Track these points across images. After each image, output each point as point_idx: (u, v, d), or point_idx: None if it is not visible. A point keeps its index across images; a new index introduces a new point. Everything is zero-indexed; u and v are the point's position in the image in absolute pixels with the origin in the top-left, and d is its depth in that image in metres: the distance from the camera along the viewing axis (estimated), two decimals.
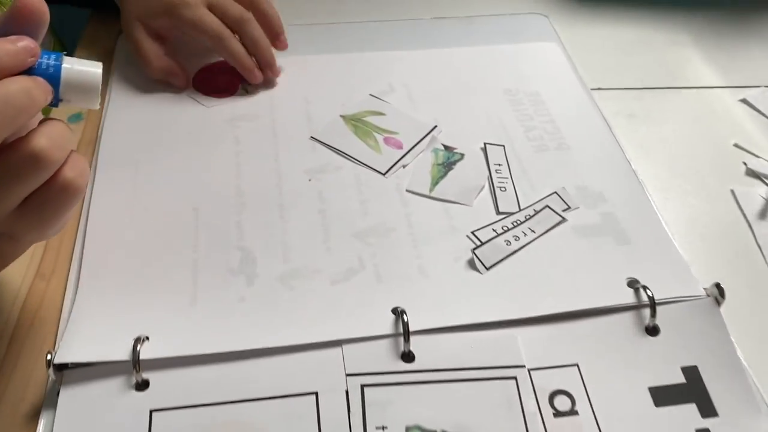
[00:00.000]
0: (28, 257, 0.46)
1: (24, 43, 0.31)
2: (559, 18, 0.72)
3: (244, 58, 0.57)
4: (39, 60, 0.32)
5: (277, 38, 0.59)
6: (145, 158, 0.52)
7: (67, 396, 0.38)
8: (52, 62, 0.32)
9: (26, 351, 0.42)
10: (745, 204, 0.54)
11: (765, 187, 0.55)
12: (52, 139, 0.31)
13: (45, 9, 0.32)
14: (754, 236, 0.51)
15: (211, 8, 0.55)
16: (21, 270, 0.45)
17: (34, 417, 0.38)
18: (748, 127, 0.61)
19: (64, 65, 0.32)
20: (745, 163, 0.57)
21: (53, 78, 0.32)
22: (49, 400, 0.39)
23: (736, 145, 0.59)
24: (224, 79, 0.59)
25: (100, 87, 0.34)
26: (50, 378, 0.39)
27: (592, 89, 0.63)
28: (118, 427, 0.37)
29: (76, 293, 0.43)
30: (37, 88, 0.31)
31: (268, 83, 0.59)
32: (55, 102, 0.33)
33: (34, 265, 0.46)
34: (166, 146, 0.54)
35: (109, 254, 0.46)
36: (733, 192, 0.55)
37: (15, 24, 0.32)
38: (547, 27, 0.70)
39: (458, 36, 0.68)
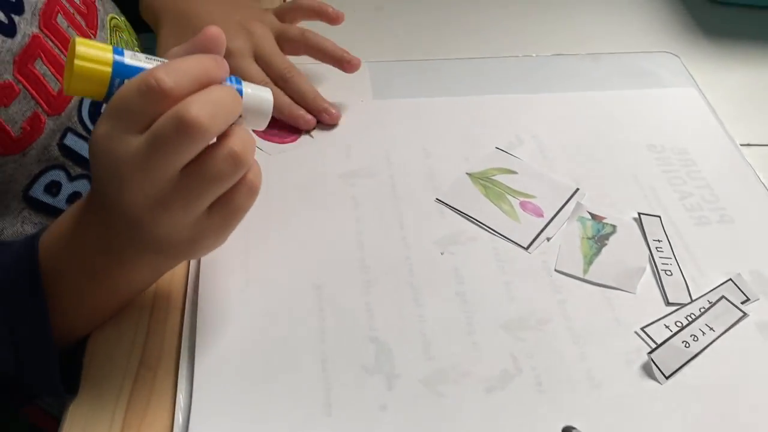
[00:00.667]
0: (130, 342, 0.40)
1: (221, 62, 0.35)
2: (689, 58, 0.64)
3: (289, 108, 0.53)
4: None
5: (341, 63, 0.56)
6: (257, 223, 0.46)
7: None
8: (234, 83, 0.35)
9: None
10: None
11: None
12: (244, 141, 0.34)
13: (223, 37, 0.35)
14: None
15: (258, 60, 0.54)
16: (123, 358, 0.39)
17: None
18: None
19: (244, 87, 0.36)
20: None
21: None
22: None
23: None
24: (283, 124, 0.54)
25: (272, 110, 0.37)
26: None
27: (741, 145, 0.56)
28: None
29: (192, 395, 0.37)
30: (237, 97, 0.35)
31: (331, 125, 0.54)
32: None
33: (137, 354, 0.40)
34: (277, 206, 0.47)
35: (224, 343, 0.40)
36: None
37: (197, 50, 0.35)
38: (680, 68, 0.63)
39: (583, 75, 0.61)
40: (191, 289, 0.42)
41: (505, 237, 0.46)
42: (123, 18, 0.58)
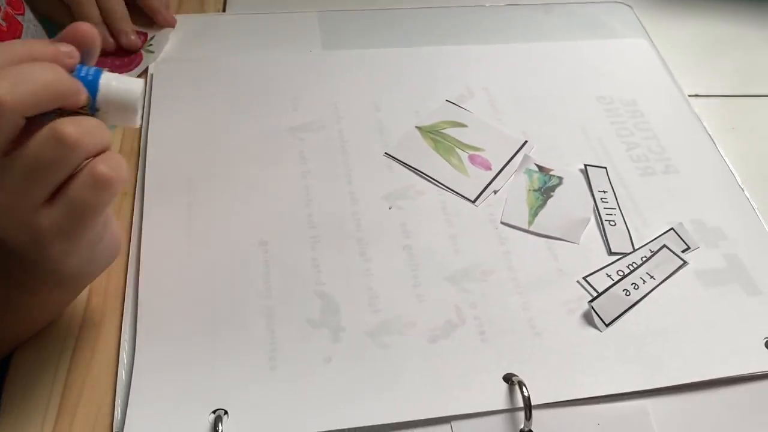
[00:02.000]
0: (72, 304, 0.39)
1: (66, 48, 0.31)
2: (642, 9, 0.64)
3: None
4: (79, 67, 0.31)
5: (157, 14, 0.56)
6: (199, 180, 0.45)
7: None
8: (92, 72, 0.31)
9: (80, 418, 0.35)
10: None
11: None
12: (80, 126, 0.29)
13: (95, 34, 0.32)
14: None
15: None
16: (65, 319, 0.39)
17: None
18: None
19: (102, 75, 0.31)
20: None
21: (91, 85, 0.31)
22: None
23: None
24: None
25: (140, 105, 0.32)
26: None
27: (689, 96, 0.56)
28: None
29: (135, 348, 0.37)
30: (66, 76, 0.30)
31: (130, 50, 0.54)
32: (92, 110, 0.31)
33: (79, 312, 0.39)
34: (223, 163, 0.47)
35: (167, 298, 0.39)
36: None
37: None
38: (632, 19, 0.63)
39: (535, 26, 0.61)
40: (134, 246, 0.42)
41: (453, 190, 0.46)
42: None
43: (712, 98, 0.57)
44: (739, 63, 0.60)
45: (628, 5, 0.64)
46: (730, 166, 0.50)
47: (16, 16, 0.48)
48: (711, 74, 0.59)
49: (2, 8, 0.47)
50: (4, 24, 0.47)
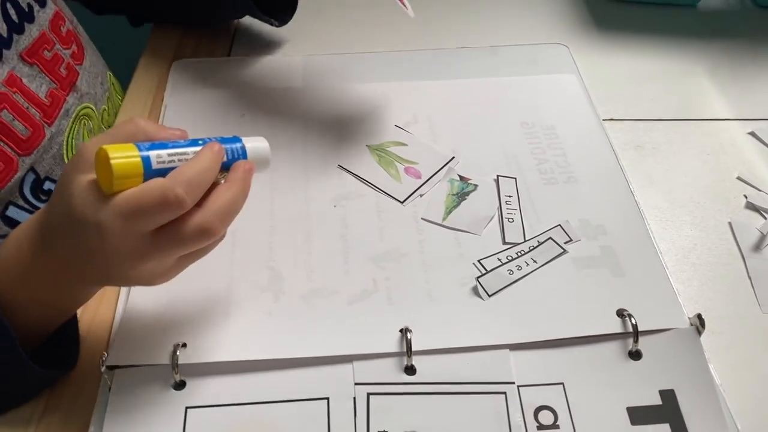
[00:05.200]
0: None
1: (218, 149, 0.39)
2: (579, 47, 0.76)
3: None
4: (230, 151, 0.41)
5: None
6: None
7: (117, 392, 0.45)
8: (239, 149, 0.41)
9: (85, 348, 0.49)
10: (741, 236, 0.57)
11: (763, 220, 0.58)
12: (220, 216, 0.38)
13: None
14: (746, 268, 0.55)
15: None
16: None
17: (89, 408, 0.46)
18: (754, 159, 0.64)
19: (245, 143, 0.42)
20: (745, 196, 0.60)
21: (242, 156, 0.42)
22: (102, 395, 0.46)
23: (739, 178, 0.62)
24: None
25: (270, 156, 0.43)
26: (104, 376, 0.46)
27: (604, 120, 0.67)
28: (159, 420, 0.44)
29: (127, 302, 0.50)
30: (243, 192, 0.41)
31: None
32: None
33: None
34: None
35: None
36: (730, 224, 0.58)
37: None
38: (567, 57, 0.74)
39: (483, 66, 0.73)
40: None
41: (387, 194, 0.59)
42: (102, 106, 0.66)
43: (626, 122, 0.68)
44: (658, 92, 0.71)
45: (565, 46, 0.76)
46: (627, 176, 0.61)
47: (75, 66, 0.62)
48: (629, 102, 0.70)
49: (65, 60, 0.60)
50: (64, 73, 0.59)
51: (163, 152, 0.38)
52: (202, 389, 0.46)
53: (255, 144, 0.42)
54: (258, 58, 0.74)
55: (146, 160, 0.37)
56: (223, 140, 0.41)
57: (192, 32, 0.78)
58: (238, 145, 0.41)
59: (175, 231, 0.37)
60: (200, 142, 0.40)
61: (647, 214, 0.58)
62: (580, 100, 0.69)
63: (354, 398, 0.46)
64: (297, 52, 0.75)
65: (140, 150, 0.38)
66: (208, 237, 0.38)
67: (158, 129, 0.40)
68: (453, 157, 0.62)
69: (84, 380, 0.47)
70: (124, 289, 0.52)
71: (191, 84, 0.70)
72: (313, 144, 0.63)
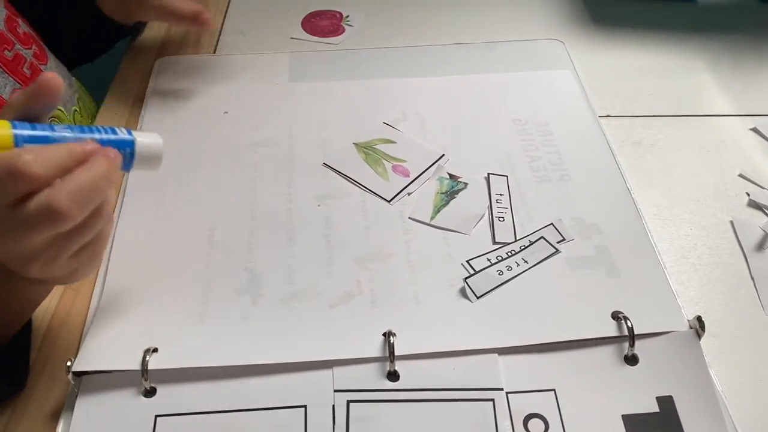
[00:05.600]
0: None
1: (93, 147, 0.38)
2: (575, 43, 0.73)
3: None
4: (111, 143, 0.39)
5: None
6: (171, 181, 0.57)
7: (84, 399, 0.43)
8: (126, 134, 0.41)
9: (54, 355, 0.47)
10: (743, 235, 0.55)
11: (766, 218, 0.56)
12: (70, 195, 0.35)
13: (61, 84, 0.38)
14: (749, 268, 0.52)
15: None
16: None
17: (56, 415, 0.43)
18: (756, 156, 0.61)
19: (135, 136, 0.41)
20: (748, 194, 0.58)
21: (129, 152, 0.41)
22: (69, 402, 0.44)
23: (741, 176, 0.60)
24: (328, 22, 0.71)
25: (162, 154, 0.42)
26: (70, 382, 0.43)
27: (600, 116, 0.65)
28: (127, 428, 0.42)
29: (98, 306, 0.48)
30: (106, 173, 0.37)
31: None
32: (126, 168, 0.41)
33: None
34: (191, 170, 0.58)
35: (131, 271, 0.51)
36: (732, 223, 0.56)
37: (35, 101, 0.38)
38: (563, 53, 0.72)
39: (476, 62, 0.71)
40: (113, 231, 0.54)
41: (374, 192, 0.56)
42: (73, 107, 0.65)
43: (623, 118, 0.65)
44: (656, 88, 0.69)
45: (561, 41, 0.73)
46: (624, 173, 0.58)
47: (39, 66, 0.61)
48: (626, 98, 0.67)
49: (28, 60, 0.60)
50: (28, 73, 0.59)
51: (35, 132, 0.37)
52: (173, 396, 0.43)
53: (146, 139, 0.41)
54: (243, 55, 0.72)
55: (17, 138, 0.36)
56: (112, 132, 0.40)
57: (177, 29, 0.76)
58: (127, 136, 0.40)
59: (24, 206, 0.35)
60: (87, 130, 0.39)
61: (645, 212, 0.56)
62: (575, 96, 0.66)
63: (333, 406, 0.43)
64: (283, 49, 0.73)
65: (14, 128, 0.36)
66: (55, 215, 0.35)
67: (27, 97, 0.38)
68: (443, 155, 0.60)
69: (51, 386, 0.45)
70: (96, 294, 0.50)
71: (174, 81, 0.68)
72: (298, 142, 0.61)
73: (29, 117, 0.38)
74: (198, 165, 0.59)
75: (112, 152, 0.38)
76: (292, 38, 0.74)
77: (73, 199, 0.35)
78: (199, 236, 0.53)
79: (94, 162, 0.37)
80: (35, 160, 0.34)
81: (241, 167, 0.59)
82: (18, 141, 0.36)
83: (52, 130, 0.38)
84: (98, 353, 0.45)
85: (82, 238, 0.38)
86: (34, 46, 0.60)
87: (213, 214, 0.55)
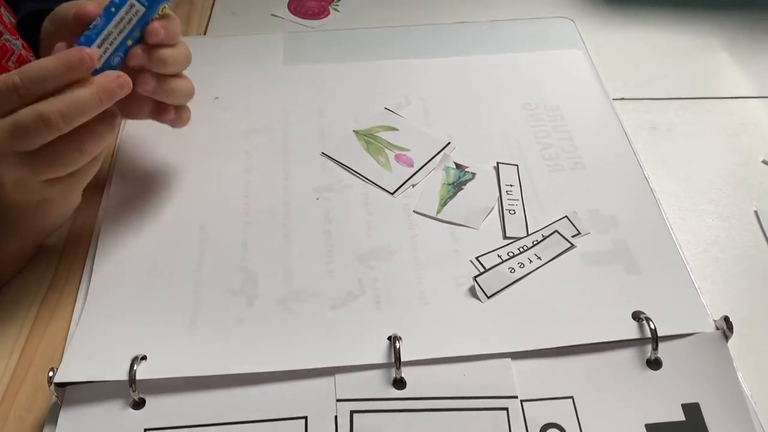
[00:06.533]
0: (44, 268, 0.48)
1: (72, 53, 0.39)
2: (585, 21, 0.70)
3: None
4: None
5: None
6: (158, 171, 0.54)
7: (68, 412, 0.40)
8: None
9: (37, 362, 0.44)
10: None
11: None
12: (60, 106, 0.38)
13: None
14: None
15: None
16: (36, 280, 0.47)
17: (38, 429, 0.40)
18: None
19: None
20: None
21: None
22: (52, 414, 0.41)
23: (764, 162, 0.56)
24: (315, 4, 0.65)
25: None
26: (52, 394, 0.40)
27: (614, 99, 0.61)
28: None
29: (83, 309, 0.45)
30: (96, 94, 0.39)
31: None
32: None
33: (48, 277, 0.48)
34: (180, 160, 0.55)
35: (116, 269, 0.47)
36: (756, 213, 0.53)
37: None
38: (573, 32, 0.68)
39: (481, 42, 0.67)
40: (97, 226, 0.50)
41: (376, 184, 0.53)
42: None
43: (638, 101, 0.62)
44: (670, 68, 0.65)
45: (570, 19, 0.69)
46: (641, 161, 0.55)
47: (30, 58, 0.56)
48: (641, 79, 0.64)
49: (16, 51, 0.55)
50: (13, 68, 0.54)
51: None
52: (163, 408, 0.40)
53: None
54: (235, 37, 0.68)
55: None
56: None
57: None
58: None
59: (13, 116, 0.37)
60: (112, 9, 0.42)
61: (663, 203, 0.52)
62: (587, 78, 0.63)
63: (335, 417, 0.40)
64: (277, 30, 0.69)
65: None
66: (44, 125, 0.37)
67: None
68: (448, 143, 0.56)
69: (33, 397, 0.42)
70: (80, 297, 0.46)
71: None
72: (294, 129, 0.58)
73: None
74: (187, 155, 0.55)
75: (121, 78, 0.41)
76: (272, 15, 0.70)
77: (62, 111, 0.37)
78: (189, 233, 0.49)
79: (94, 83, 0.40)
80: (21, 74, 0.37)
81: (234, 157, 0.55)
82: None
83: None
84: (82, 362, 0.41)
85: (63, 165, 0.39)
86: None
87: (204, 208, 0.51)
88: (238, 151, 0.55)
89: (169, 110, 0.48)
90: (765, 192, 0.54)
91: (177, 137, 0.57)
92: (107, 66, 0.42)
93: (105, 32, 0.42)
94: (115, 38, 0.42)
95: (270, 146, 0.56)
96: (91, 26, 0.42)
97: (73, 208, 0.46)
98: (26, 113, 0.37)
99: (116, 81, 0.41)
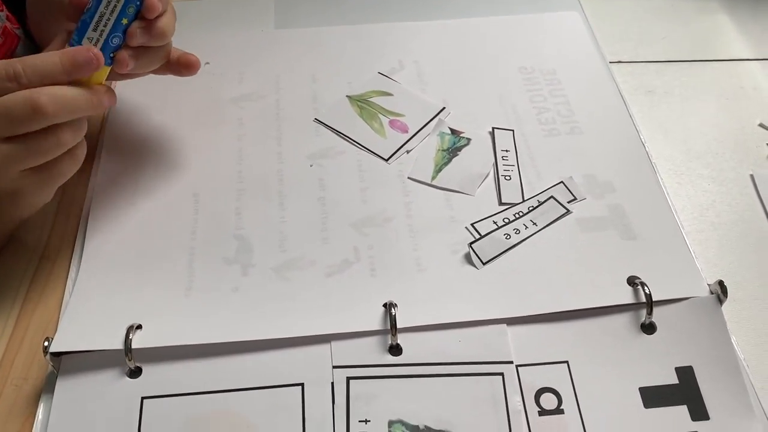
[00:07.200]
0: (36, 238, 0.48)
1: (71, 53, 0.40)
2: None
3: None
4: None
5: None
6: (150, 140, 0.53)
7: (64, 381, 0.40)
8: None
9: (31, 331, 0.44)
10: (765, 190, 0.51)
11: None
12: (53, 97, 0.38)
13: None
14: None
15: None
16: (28, 250, 0.47)
17: (35, 398, 0.40)
18: None
19: None
20: None
21: None
22: (49, 383, 0.41)
23: (761, 125, 0.56)
24: None
25: None
26: (48, 363, 0.40)
27: (610, 62, 0.60)
28: (111, 413, 0.39)
29: (76, 278, 0.45)
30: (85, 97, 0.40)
31: None
32: None
33: (40, 247, 0.47)
34: (171, 128, 0.54)
35: (109, 239, 0.47)
36: (752, 177, 0.52)
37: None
38: None
39: (476, 4, 0.66)
40: (89, 196, 0.50)
41: (370, 150, 0.52)
42: None
43: (636, 64, 0.61)
44: (670, 31, 0.64)
45: None
46: (638, 125, 0.54)
47: (14, 30, 0.55)
48: (639, 42, 0.63)
49: (1, 23, 0.54)
50: (1, 40, 0.53)
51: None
52: (160, 377, 0.40)
53: None
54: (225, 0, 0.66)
55: None
56: None
57: None
58: None
59: (3, 99, 0.37)
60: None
61: (660, 167, 0.52)
62: (584, 40, 0.62)
63: (332, 383, 0.40)
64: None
65: None
66: (34, 112, 0.37)
67: None
68: (443, 108, 0.55)
69: (29, 367, 0.42)
70: (73, 265, 0.46)
71: None
72: (287, 95, 0.57)
73: None
74: (178, 122, 0.54)
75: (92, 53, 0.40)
76: None
77: (53, 99, 0.38)
78: (182, 201, 0.49)
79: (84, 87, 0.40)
80: (23, 64, 0.38)
81: (226, 124, 0.54)
82: None
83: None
84: (77, 332, 0.41)
85: (40, 153, 0.39)
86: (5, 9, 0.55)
87: (197, 176, 0.51)
88: (231, 118, 0.55)
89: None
90: (762, 156, 0.54)
91: (168, 104, 0.56)
92: (107, 48, 0.41)
93: (97, 15, 0.41)
94: (108, 19, 0.41)
95: (262, 113, 0.55)
96: (85, 9, 0.41)
97: (41, 205, 0.45)
98: (16, 98, 0.37)
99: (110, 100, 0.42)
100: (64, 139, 0.39)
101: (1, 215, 0.44)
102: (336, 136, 0.54)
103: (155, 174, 0.51)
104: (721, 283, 0.43)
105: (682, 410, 0.40)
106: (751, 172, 0.53)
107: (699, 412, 0.40)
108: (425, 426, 0.39)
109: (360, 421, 0.39)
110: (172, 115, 0.55)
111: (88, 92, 0.40)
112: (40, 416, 0.40)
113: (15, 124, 0.38)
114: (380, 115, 0.55)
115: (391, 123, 0.54)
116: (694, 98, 0.58)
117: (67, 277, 0.46)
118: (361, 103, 0.56)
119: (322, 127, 0.54)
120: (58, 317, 0.44)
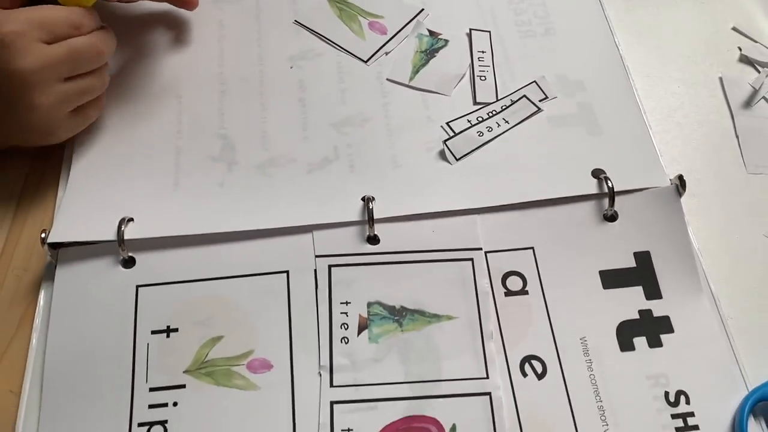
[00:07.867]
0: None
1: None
2: None
3: None
4: None
5: None
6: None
7: (63, 270, 0.43)
8: None
9: (29, 224, 0.46)
10: (732, 92, 0.53)
11: (756, 74, 0.54)
12: (107, 43, 0.45)
13: None
14: (734, 126, 0.52)
15: None
16: (22, 151, 0.49)
17: (35, 287, 0.43)
18: (751, 8, 0.58)
19: None
20: (740, 49, 0.56)
21: None
22: (48, 273, 0.43)
23: (734, 29, 0.57)
24: None
25: None
26: (46, 254, 0.43)
27: None
28: (108, 300, 0.42)
29: (69, 176, 0.46)
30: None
31: None
32: None
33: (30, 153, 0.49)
34: (150, 31, 0.54)
35: (100, 138, 0.49)
36: (721, 79, 0.54)
37: None
38: None
39: None
40: None
41: (349, 52, 0.54)
42: None
43: None
44: None
45: None
46: (613, 27, 0.55)
47: None
48: None
49: None
50: None
51: None
52: (152, 266, 0.43)
53: None
54: None
55: None
56: None
57: None
58: None
59: (68, 42, 0.42)
60: None
61: (632, 69, 0.53)
62: None
63: (315, 270, 0.43)
64: None
65: None
66: (97, 54, 0.44)
67: None
68: (422, 9, 0.56)
69: (29, 257, 0.45)
70: (65, 165, 0.48)
71: None
72: None
73: None
74: (156, 24, 0.55)
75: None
76: None
77: (106, 44, 0.45)
78: (166, 103, 0.50)
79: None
80: (83, 14, 0.43)
81: (205, 26, 0.55)
82: None
83: None
84: (73, 224, 0.44)
85: (89, 93, 0.45)
86: None
87: (179, 78, 0.52)
88: (211, 20, 0.55)
89: None
90: (732, 59, 0.55)
91: (149, 8, 0.56)
92: None
93: None
94: None
95: (242, 14, 0.56)
96: None
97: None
98: (82, 41, 0.43)
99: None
100: (106, 79, 0.46)
101: (23, 141, 0.46)
102: (315, 37, 0.54)
103: (138, 76, 0.52)
104: (680, 177, 0.45)
105: (638, 290, 0.43)
106: (720, 75, 0.54)
107: (653, 292, 0.43)
108: (401, 306, 0.42)
109: (341, 303, 0.42)
110: (152, 17, 0.55)
111: (114, 37, 0.46)
112: (41, 302, 0.43)
113: (82, 64, 0.43)
114: (359, 17, 0.56)
115: (370, 24, 0.55)
116: (670, 2, 0.59)
117: (59, 175, 0.47)
118: (341, 5, 0.56)
119: (302, 29, 0.55)
120: (53, 212, 0.46)
